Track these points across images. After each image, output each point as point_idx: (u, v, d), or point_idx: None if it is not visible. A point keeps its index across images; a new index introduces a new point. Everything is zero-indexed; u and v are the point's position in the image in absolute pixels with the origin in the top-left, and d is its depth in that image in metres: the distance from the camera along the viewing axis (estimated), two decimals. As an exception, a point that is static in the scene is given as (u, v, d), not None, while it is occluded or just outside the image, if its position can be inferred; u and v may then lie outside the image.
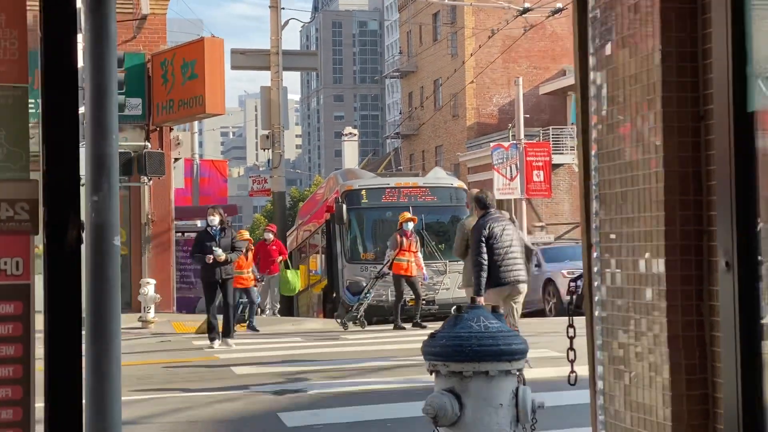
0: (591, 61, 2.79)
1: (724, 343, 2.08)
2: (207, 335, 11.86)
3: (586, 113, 2.85)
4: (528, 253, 8.68)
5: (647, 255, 2.58)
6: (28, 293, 1.72)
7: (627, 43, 2.64)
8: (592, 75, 2.79)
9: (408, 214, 15.10)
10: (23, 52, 1.71)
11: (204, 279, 11.97)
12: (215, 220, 11.94)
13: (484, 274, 8.18)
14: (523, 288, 8.51)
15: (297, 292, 18.78)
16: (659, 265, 2.51)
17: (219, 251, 11.60)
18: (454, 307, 4.80)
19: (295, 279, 18.12)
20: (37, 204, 1.71)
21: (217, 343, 11.66)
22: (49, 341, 1.64)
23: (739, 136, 2.00)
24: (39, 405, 1.77)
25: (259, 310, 16.08)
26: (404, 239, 14.34)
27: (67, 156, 1.69)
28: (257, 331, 14.42)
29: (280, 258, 16.91)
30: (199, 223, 28.94)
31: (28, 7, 1.82)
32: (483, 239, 8.25)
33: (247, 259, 14.63)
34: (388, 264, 14.52)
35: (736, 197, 2.00)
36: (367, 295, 14.52)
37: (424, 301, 15.70)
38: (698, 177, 2.48)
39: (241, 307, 14.71)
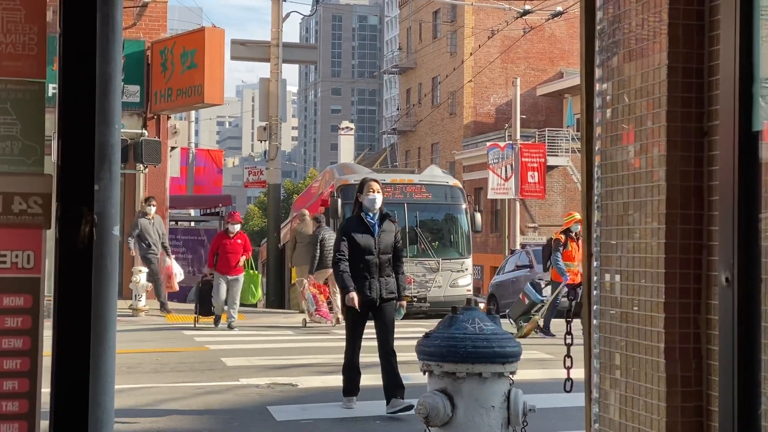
0: (597, 72, 2.82)
1: (722, 356, 2.12)
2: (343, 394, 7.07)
3: (590, 123, 2.88)
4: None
5: (647, 266, 2.61)
6: (39, 287, 1.74)
7: (634, 56, 2.67)
8: (597, 86, 2.82)
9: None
10: (42, 47, 1.73)
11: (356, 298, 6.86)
12: (377, 199, 6.87)
13: (316, 262, 13.91)
14: None
15: (258, 299, 15.57)
16: (658, 277, 2.54)
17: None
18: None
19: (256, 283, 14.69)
20: (50, 198, 1.74)
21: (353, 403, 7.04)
22: (58, 339, 1.66)
23: (743, 154, 2.03)
24: (45, 390, 1.80)
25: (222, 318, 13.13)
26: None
27: (82, 151, 1.71)
28: (553, 336, 11.79)
29: (244, 258, 13.24)
30: (192, 212, 28.92)
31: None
32: (318, 242, 14.07)
33: (579, 248, 11.39)
34: None
35: (739, 214, 2.03)
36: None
37: (415, 299, 15.70)
38: (700, 192, 2.51)
39: (542, 305, 12.19)
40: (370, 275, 6.85)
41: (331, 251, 13.81)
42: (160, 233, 14.80)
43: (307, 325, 13.73)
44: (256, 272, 15.08)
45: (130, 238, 14.67)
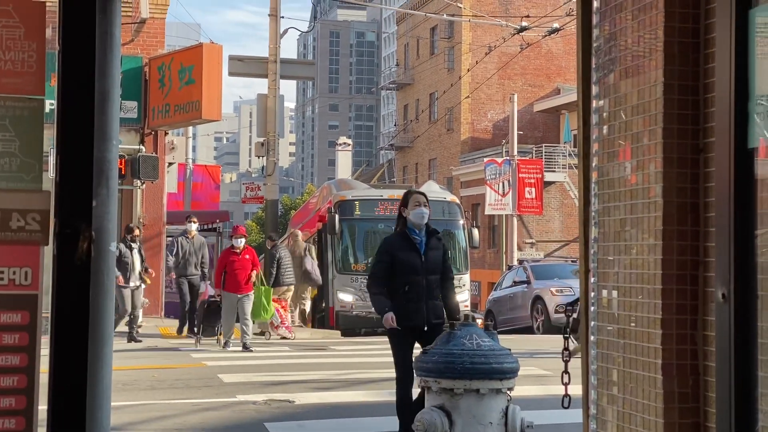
0: (594, 89, 2.84)
1: (719, 373, 2.12)
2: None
3: (587, 139, 2.90)
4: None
5: (644, 282, 2.62)
6: (36, 303, 1.74)
7: (630, 73, 2.69)
8: (594, 103, 2.84)
9: None
10: (41, 64, 1.74)
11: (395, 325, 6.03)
12: (425, 213, 6.11)
13: (272, 278, 14.64)
14: (292, 287, 15.46)
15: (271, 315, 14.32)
16: (655, 293, 2.55)
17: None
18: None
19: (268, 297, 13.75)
20: (48, 215, 1.74)
21: None
22: (55, 355, 1.66)
23: (739, 171, 2.05)
24: (42, 407, 1.79)
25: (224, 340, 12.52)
26: None
27: (80, 167, 1.72)
28: None
29: (255, 273, 12.66)
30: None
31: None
32: (274, 261, 14.97)
33: None
34: None
35: (735, 231, 2.04)
36: None
37: None
38: (696, 208, 2.53)
39: None
40: (416, 298, 6.02)
41: (287, 269, 14.98)
42: (198, 255, 14.09)
43: (271, 338, 14.50)
44: (268, 287, 13.96)
45: (171, 256, 14.14)
